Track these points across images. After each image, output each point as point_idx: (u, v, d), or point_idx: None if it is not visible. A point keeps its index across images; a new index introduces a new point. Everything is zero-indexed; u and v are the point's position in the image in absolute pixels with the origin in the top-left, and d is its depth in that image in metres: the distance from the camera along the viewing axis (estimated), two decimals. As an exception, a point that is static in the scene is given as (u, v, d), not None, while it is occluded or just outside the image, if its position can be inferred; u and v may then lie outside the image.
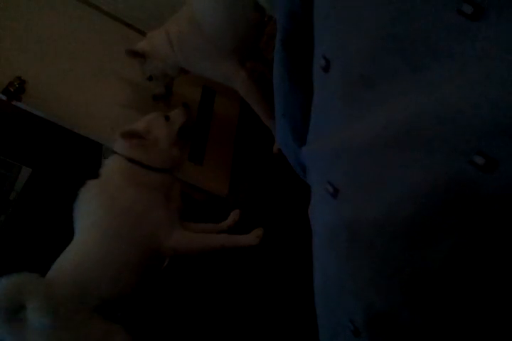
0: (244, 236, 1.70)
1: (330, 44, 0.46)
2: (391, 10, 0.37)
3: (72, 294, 1.43)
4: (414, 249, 0.34)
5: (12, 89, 1.80)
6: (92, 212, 1.57)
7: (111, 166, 1.67)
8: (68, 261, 1.54)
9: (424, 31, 0.34)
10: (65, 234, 1.62)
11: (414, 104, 0.35)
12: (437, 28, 0.33)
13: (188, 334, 1.86)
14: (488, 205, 0.30)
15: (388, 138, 0.37)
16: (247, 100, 1.90)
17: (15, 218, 2.42)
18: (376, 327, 0.38)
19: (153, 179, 1.65)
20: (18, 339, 1.32)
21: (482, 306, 0.31)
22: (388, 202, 0.36)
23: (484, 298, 0.31)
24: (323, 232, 0.47)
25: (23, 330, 1.31)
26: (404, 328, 0.35)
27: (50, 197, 2.32)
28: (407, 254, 0.34)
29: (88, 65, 2.11)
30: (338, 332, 0.44)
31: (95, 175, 1.66)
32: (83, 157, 2.44)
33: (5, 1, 2.04)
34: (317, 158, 0.50)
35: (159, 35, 1.89)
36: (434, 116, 0.32)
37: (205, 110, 2.45)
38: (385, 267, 0.36)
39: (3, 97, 1.81)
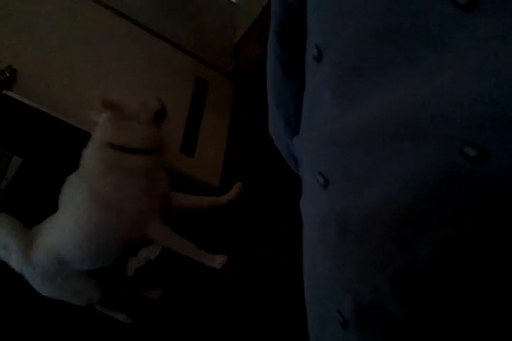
0: (210, 256, 1.71)
1: (322, 33, 0.45)
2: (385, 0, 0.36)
3: (50, 263, 1.60)
4: (405, 240, 0.33)
5: (3, 78, 1.77)
6: (74, 205, 1.60)
7: (90, 155, 1.65)
8: (50, 235, 1.63)
9: (419, 22, 0.34)
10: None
11: (408, 95, 0.34)
12: (432, 19, 0.33)
13: (182, 331, 1.87)
14: (479, 196, 0.29)
15: (380, 129, 0.36)
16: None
17: (5, 207, 2.39)
18: (364, 319, 0.38)
19: (135, 163, 1.61)
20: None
21: (472, 300, 0.31)
22: (380, 193, 0.35)
23: (475, 292, 0.30)
24: (314, 223, 0.46)
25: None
26: (393, 322, 0.35)
27: (40, 187, 2.30)
28: (397, 246, 0.34)
29: (82, 56, 2.08)
30: (326, 324, 0.43)
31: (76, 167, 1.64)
32: (75, 148, 2.41)
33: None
34: (308, 149, 0.49)
35: None
36: (427, 107, 0.32)
37: (197, 101, 2.44)
38: (375, 259, 0.36)
39: (-6, 86, 1.78)
